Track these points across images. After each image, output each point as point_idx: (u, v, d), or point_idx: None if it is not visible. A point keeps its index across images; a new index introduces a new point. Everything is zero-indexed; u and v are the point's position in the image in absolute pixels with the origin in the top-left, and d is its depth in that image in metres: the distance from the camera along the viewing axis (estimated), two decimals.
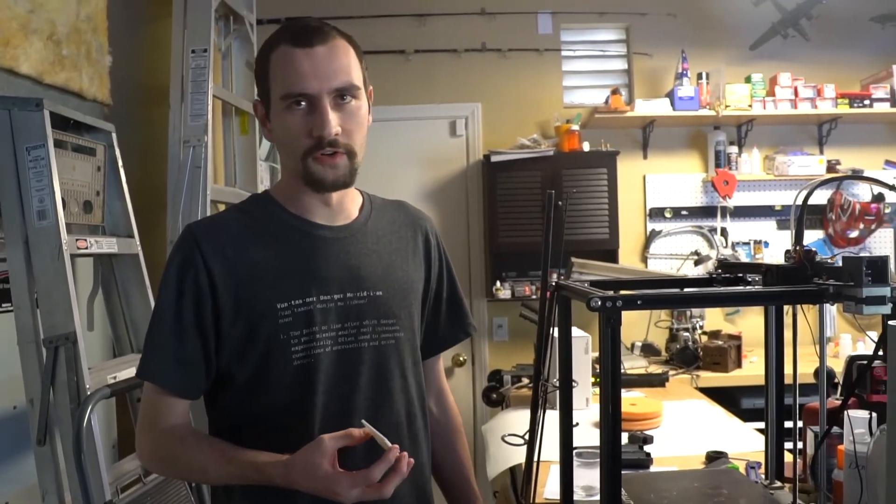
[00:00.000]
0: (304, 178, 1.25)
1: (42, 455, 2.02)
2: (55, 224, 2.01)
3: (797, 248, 1.22)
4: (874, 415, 1.30)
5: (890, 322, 0.89)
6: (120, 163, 2.46)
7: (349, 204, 1.36)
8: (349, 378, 1.27)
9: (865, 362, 1.42)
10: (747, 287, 1.39)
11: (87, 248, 2.18)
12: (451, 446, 1.54)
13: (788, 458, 1.53)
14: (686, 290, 1.55)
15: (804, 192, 1.27)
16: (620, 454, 1.08)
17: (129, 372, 2.21)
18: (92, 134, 2.37)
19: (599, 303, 1.02)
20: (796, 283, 1.20)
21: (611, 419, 1.05)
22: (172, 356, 1.22)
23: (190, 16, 2.81)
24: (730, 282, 1.45)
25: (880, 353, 1.11)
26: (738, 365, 3.56)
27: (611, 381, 1.05)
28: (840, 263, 1.10)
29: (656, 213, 4.27)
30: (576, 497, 1.47)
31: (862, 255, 1.03)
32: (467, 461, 1.56)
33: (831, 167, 4.10)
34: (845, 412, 1.32)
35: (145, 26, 3.23)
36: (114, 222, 2.45)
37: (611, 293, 1.06)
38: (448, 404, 1.57)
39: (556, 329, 1.45)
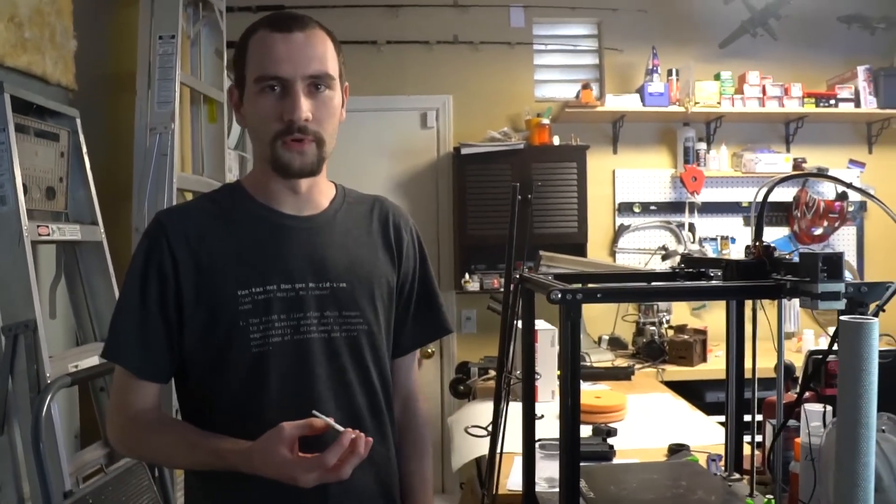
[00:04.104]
0: (272, 163, 1.26)
1: None
2: (16, 210, 1.99)
3: (757, 243, 1.24)
4: (829, 408, 1.32)
5: (842, 317, 0.91)
6: (84, 149, 2.42)
7: (319, 195, 1.35)
8: (306, 368, 1.26)
9: (821, 356, 1.45)
10: (707, 282, 1.41)
11: (49, 234, 2.15)
12: (410, 458, 1.48)
13: (748, 451, 1.55)
14: (646, 283, 1.56)
15: (765, 189, 1.29)
16: (579, 446, 1.09)
17: (92, 360, 2.19)
18: (55, 119, 2.34)
19: (559, 295, 1.02)
20: (755, 278, 1.21)
21: (570, 411, 1.06)
22: (136, 339, 1.24)
23: (158, 1, 2.77)
24: (692, 276, 1.47)
25: (835, 347, 1.13)
26: (704, 359, 3.61)
27: (570, 373, 1.05)
28: (797, 259, 1.12)
29: (625, 208, 4.30)
30: (538, 488, 1.48)
31: (819, 251, 1.05)
32: (424, 476, 1.49)
33: (797, 165, 4.16)
34: (802, 406, 1.35)
35: (112, 11, 3.17)
36: (77, 209, 2.42)
37: (572, 286, 1.06)
38: (414, 410, 1.51)
39: (520, 321, 1.46)
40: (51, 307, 2.39)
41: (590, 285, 1.30)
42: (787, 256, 1.20)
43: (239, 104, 1.30)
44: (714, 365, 3.56)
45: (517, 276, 1.39)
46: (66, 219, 2.38)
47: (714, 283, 1.38)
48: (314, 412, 1.13)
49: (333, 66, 1.26)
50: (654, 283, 1.54)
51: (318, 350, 1.28)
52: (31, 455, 1.86)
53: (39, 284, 2.05)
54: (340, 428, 1.11)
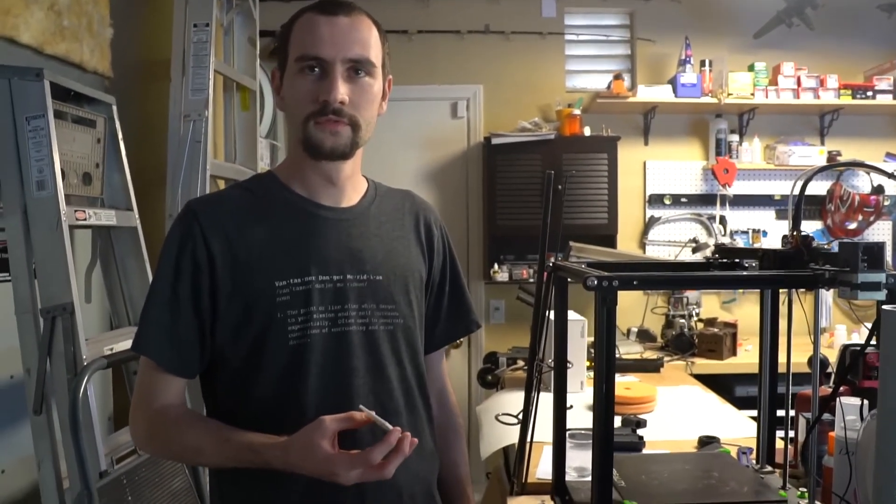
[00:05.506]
0: (304, 144, 1.24)
1: (38, 424, 2.02)
2: (54, 195, 2.01)
3: (794, 233, 1.22)
4: (865, 402, 1.31)
5: (884, 307, 0.90)
6: (120, 135, 2.45)
7: (354, 187, 1.34)
8: (345, 361, 1.24)
9: (859, 349, 1.43)
10: (743, 271, 1.39)
11: (85, 219, 2.18)
12: (449, 450, 1.50)
13: (780, 444, 1.54)
14: (682, 272, 1.55)
15: (803, 178, 1.27)
16: (613, 430, 1.09)
17: (126, 344, 2.22)
18: (92, 106, 2.37)
19: (596, 282, 1.02)
20: (792, 267, 1.20)
21: (604, 399, 1.06)
22: (167, 331, 1.21)
23: None
24: (727, 266, 1.46)
25: (874, 339, 1.12)
26: (733, 353, 3.58)
27: (605, 360, 1.05)
28: (836, 249, 1.11)
29: (656, 200, 4.27)
30: (568, 478, 1.48)
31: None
32: (465, 466, 1.52)
33: (832, 158, 4.10)
34: (837, 399, 1.33)
35: None
36: (113, 195, 2.45)
37: (607, 273, 1.06)
38: (449, 405, 1.54)
39: (552, 311, 1.46)
40: (86, 291, 2.43)
41: (620, 273, 1.29)
42: (826, 246, 1.18)
43: (280, 87, 1.28)
44: (744, 359, 3.53)
45: (550, 265, 1.39)
46: (102, 204, 2.42)
47: (751, 272, 1.36)
48: (361, 406, 1.10)
49: (376, 54, 1.25)
50: (690, 272, 1.53)
51: (356, 343, 1.25)
52: (69, 435, 1.89)
53: (76, 268, 2.08)
54: (388, 425, 1.07)
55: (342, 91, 1.20)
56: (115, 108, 2.44)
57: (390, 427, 1.07)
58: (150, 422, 1.22)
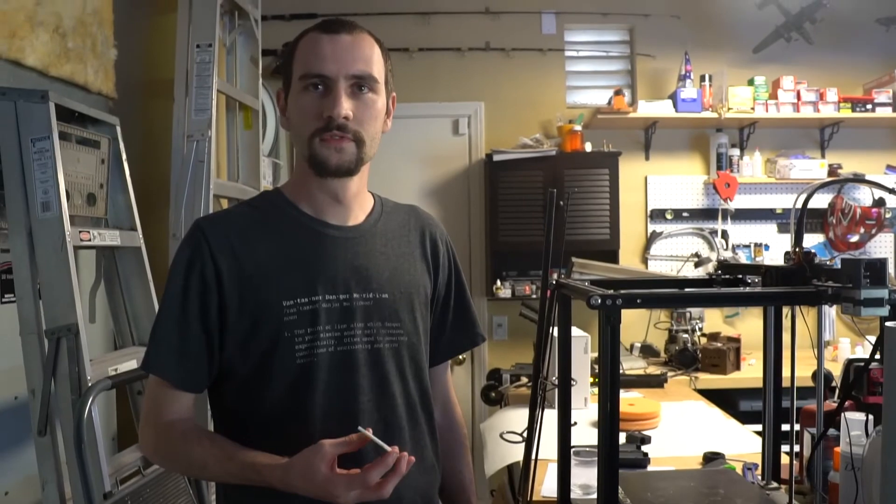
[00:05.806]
0: (310, 161, 1.26)
1: (42, 446, 2.02)
2: (59, 216, 2.02)
3: (796, 249, 1.23)
4: (870, 417, 1.31)
5: (887, 324, 0.90)
6: (124, 156, 2.46)
7: (360, 205, 1.35)
8: (351, 379, 1.25)
9: (863, 364, 1.43)
10: (746, 288, 1.40)
11: (90, 240, 2.19)
12: (453, 459, 1.51)
13: (785, 460, 1.54)
14: (685, 290, 1.55)
15: (805, 194, 1.28)
16: (618, 448, 1.09)
17: (130, 364, 2.22)
18: (96, 127, 2.38)
19: (599, 301, 1.03)
20: (795, 284, 1.21)
21: (609, 416, 1.06)
22: (175, 349, 1.23)
23: (195, 10, 2.81)
24: (729, 283, 1.46)
25: (877, 355, 1.12)
26: (737, 367, 3.57)
27: (610, 379, 1.05)
28: (839, 265, 1.11)
29: (657, 215, 4.28)
30: (573, 495, 1.48)
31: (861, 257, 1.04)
32: (469, 475, 1.54)
33: (833, 171, 4.10)
34: (842, 414, 1.33)
35: (150, 20, 3.23)
36: (117, 215, 2.46)
37: (611, 292, 1.06)
38: (454, 417, 1.56)
39: (555, 328, 1.46)
40: (90, 311, 2.43)
41: (624, 291, 1.29)
42: (829, 262, 1.19)
43: (284, 107, 1.31)
44: (747, 373, 3.53)
45: (553, 282, 1.39)
46: (106, 224, 2.42)
47: (755, 289, 1.37)
48: (360, 428, 1.11)
49: (379, 70, 1.27)
50: (694, 290, 1.53)
51: (362, 361, 1.26)
52: (73, 456, 1.89)
53: (80, 289, 2.08)
54: (387, 447, 1.09)
55: (346, 107, 1.22)
56: (118, 128, 2.45)
57: (388, 448, 1.09)
58: (158, 436, 1.25)
